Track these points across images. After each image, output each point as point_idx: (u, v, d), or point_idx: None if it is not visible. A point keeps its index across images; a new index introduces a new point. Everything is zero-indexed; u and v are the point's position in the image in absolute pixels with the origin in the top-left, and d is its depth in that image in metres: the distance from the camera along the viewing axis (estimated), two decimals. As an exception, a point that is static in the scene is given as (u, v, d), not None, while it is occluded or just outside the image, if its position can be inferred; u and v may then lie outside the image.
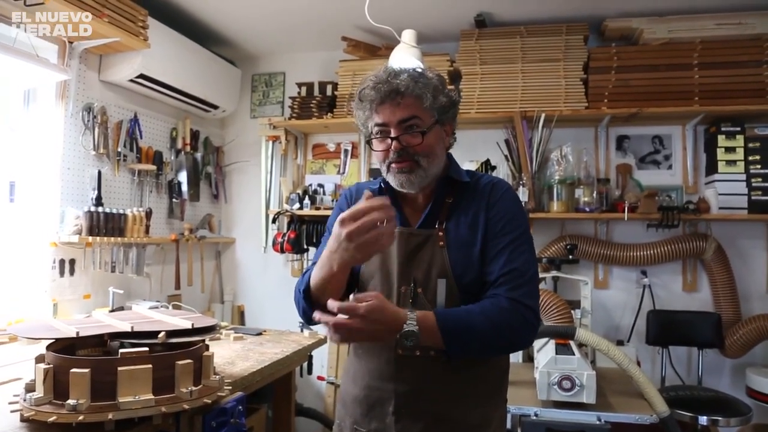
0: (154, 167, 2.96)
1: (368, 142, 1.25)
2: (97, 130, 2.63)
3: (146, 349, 1.34)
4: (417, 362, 1.19)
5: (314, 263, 1.28)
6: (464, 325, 1.09)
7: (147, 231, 2.80)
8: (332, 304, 1.01)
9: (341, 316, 1.01)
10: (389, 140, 1.19)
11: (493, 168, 3.14)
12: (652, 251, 2.93)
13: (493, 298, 1.13)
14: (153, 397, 1.27)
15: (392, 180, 1.23)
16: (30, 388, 1.30)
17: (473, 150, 3.19)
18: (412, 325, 1.04)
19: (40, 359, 1.31)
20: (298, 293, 1.24)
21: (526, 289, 1.14)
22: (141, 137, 2.93)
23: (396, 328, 1.04)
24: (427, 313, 1.09)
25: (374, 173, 3.43)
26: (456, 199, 1.26)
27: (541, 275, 2.77)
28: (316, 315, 1.04)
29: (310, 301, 1.19)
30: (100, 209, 2.52)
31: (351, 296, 1.23)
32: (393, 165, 1.20)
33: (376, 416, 1.23)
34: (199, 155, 3.43)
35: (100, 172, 2.62)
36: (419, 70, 1.22)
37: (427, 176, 1.21)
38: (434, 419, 1.19)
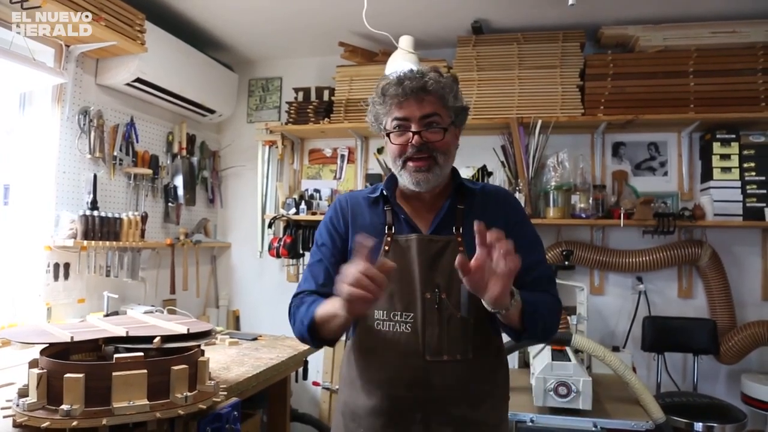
0: (150, 171, 2.95)
1: (387, 136, 1.25)
2: (93, 133, 2.62)
3: (141, 354, 1.33)
4: (446, 367, 1.19)
5: (306, 280, 1.33)
6: (536, 304, 1.15)
7: (142, 235, 2.78)
8: (485, 231, 1.00)
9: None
10: (410, 134, 1.20)
11: (490, 174, 3.15)
12: (647, 257, 2.94)
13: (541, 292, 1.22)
14: (148, 402, 1.26)
15: (407, 177, 1.23)
16: (23, 393, 1.29)
17: (470, 156, 3.19)
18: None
19: (33, 364, 1.30)
20: (301, 325, 1.22)
21: (556, 288, 1.28)
22: (137, 141, 2.93)
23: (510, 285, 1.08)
24: None
25: (370, 179, 3.43)
26: (467, 205, 1.28)
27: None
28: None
29: (314, 334, 1.20)
30: (95, 213, 2.50)
31: None
32: (410, 163, 1.21)
33: (400, 426, 1.20)
34: (195, 159, 3.42)
35: (95, 176, 2.62)
36: (439, 72, 1.25)
37: (441, 174, 1.23)
38: (461, 423, 1.19)
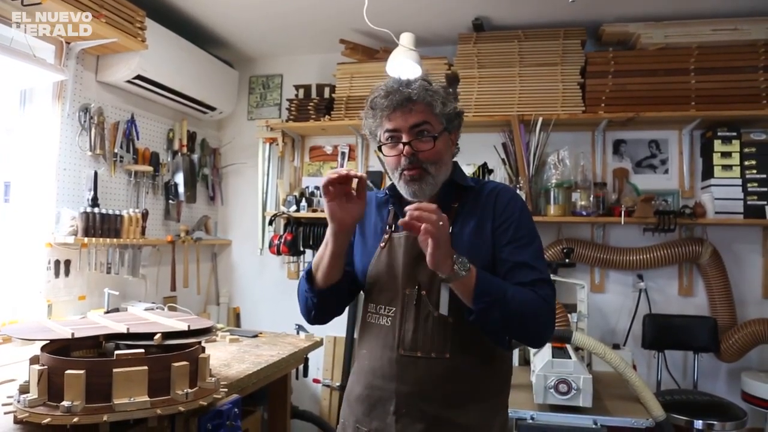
0: (150, 168, 2.95)
1: (379, 149, 1.29)
2: (93, 130, 2.62)
3: (142, 350, 1.33)
4: (419, 363, 1.20)
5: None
6: (499, 288, 1.12)
7: (143, 232, 2.79)
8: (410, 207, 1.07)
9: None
10: (401, 145, 1.22)
11: (490, 171, 3.14)
12: (648, 255, 2.93)
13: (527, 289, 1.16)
14: (148, 399, 1.26)
15: (404, 189, 1.26)
16: (24, 389, 1.29)
17: (470, 153, 3.18)
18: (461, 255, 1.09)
19: (34, 360, 1.30)
20: (303, 281, 1.29)
21: (550, 292, 1.18)
22: (138, 138, 2.92)
23: (451, 249, 1.08)
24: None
25: (371, 176, 3.43)
26: (462, 203, 1.28)
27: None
28: (401, 221, 1.07)
29: (311, 282, 1.27)
30: (96, 210, 2.51)
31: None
32: (405, 172, 1.23)
33: (377, 415, 1.24)
34: (195, 157, 3.42)
35: (96, 173, 2.61)
36: (427, 80, 1.26)
37: (436, 184, 1.25)
38: (434, 421, 1.20)
